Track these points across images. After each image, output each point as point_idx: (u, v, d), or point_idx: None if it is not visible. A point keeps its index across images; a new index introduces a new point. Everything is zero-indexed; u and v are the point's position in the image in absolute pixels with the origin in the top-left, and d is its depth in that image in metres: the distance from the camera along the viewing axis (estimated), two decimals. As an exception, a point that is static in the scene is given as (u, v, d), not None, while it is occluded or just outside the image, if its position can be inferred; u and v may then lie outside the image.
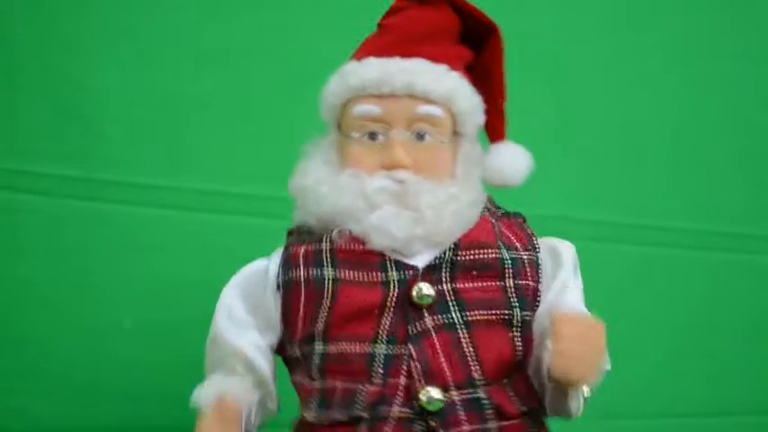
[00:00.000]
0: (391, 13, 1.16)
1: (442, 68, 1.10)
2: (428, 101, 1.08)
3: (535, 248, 1.10)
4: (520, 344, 1.06)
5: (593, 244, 1.60)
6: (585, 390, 1.04)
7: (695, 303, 1.68)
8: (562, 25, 1.61)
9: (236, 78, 1.46)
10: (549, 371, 1.00)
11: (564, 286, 1.09)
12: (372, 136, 1.09)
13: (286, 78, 1.47)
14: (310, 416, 1.05)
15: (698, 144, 1.69)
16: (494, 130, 1.17)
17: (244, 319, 1.10)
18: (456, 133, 1.12)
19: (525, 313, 1.07)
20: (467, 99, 1.11)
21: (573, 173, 1.62)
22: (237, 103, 1.46)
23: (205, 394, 1.07)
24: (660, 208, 1.67)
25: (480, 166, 1.13)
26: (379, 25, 1.16)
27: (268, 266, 1.11)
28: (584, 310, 1.09)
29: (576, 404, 1.04)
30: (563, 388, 1.02)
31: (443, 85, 1.09)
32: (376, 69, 1.09)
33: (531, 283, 1.08)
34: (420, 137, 1.09)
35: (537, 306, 1.08)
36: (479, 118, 1.14)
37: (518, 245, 1.10)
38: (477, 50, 1.16)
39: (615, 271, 1.61)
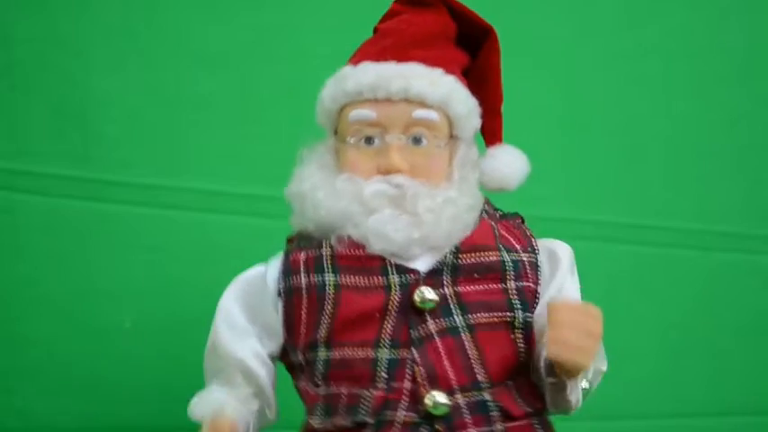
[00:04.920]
0: (387, 17, 1.16)
1: (437, 72, 1.10)
2: (424, 105, 1.08)
3: (534, 250, 1.11)
4: (523, 345, 1.06)
5: (593, 244, 1.60)
6: (584, 382, 1.05)
7: (695, 303, 1.68)
8: (561, 25, 1.61)
9: (237, 78, 1.46)
10: (547, 360, 1.01)
11: (561, 287, 1.10)
12: (368, 141, 1.09)
13: (286, 78, 1.47)
14: (315, 422, 1.05)
15: (698, 143, 1.69)
16: (490, 133, 1.17)
17: (243, 326, 1.10)
18: (452, 137, 1.12)
19: (527, 315, 1.07)
20: (462, 103, 1.11)
21: (573, 173, 1.62)
22: (238, 103, 1.46)
23: (202, 407, 1.07)
24: (660, 208, 1.67)
25: (477, 170, 1.13)
26: (375, 30, 1.17)
27: (266, 273, 1.11)
28: None
29: (576, 397, 1.05)
30: (561, 377, 1.02)
31: (439, 89, 1.09)
32: (371, 74, 1.09)
33: (531, 284, 1.08)
34: (416, 141, 1.09)
35: (535, 307, 1.09)
36: (476, 121, 1.14)
37: (518, 247, 1.10)
38: (474, 53, 1.16)
39: (615, 271, 1.61)
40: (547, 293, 1.09)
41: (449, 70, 1.11)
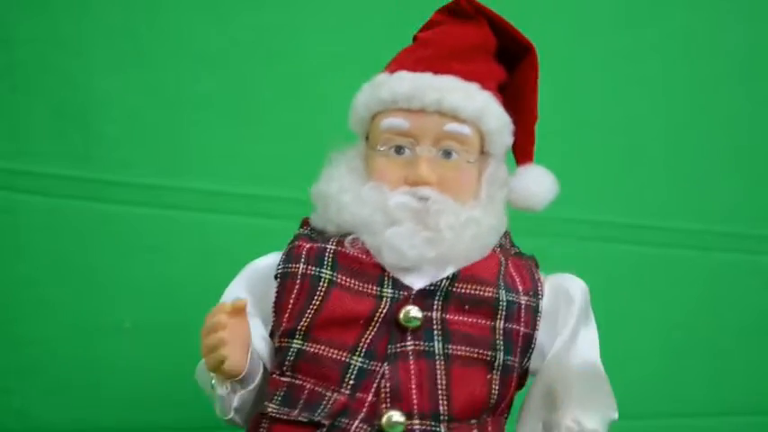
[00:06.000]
0: (427, 26, 1.15)
1: (473, 87, 1.09)
2: (457, 119, 1.08)
3: (537, 295, 1.09)
4: (497, 387, 1.05)
5: (593, 244, 1.60)
6: None
7: (695, 303, 1.67)
8: (561, 25, 1.61)
9: (237, 78, 1.46)
10: None
11: (574, 334, 1.09)
12: (399, 150, 1.09)
13: (286, 78, 1.47)
14: (271, 408, 1.04)
15: (697, 143, 1.69)
16: (522, 151, 1.16)
17: (249, 309, 1.08)
18: (483, 153, 1.11)
19: (508, 358, 1.06)
20: (496, 119, 1.10)
21: (573, 173, 1.61)
22: (238, 103, 1.46)
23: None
24: (660, 208, 1.67)
25: (505, 188, 1.12)
26: (415, 38, 1.16)
27: (276, 262, 1.10)
28: (597, 359, 1.09)
29: None
30: None
31: (473, 103, 1.08)
32: (407, 84, 1.08)
33: (522, 329, 1.07)
34: (447, 154, 1.08)
35: (530, 353, 1.08)
36: (508, 138, 1.13)
37: (520, 288, 1.08)
38: (511, 69, 1.15)
39: (615, 271, 1.61)
40: (559, 338, 1.08)
41: (485, 85, 1.10)
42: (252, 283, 1.11)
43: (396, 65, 1.12)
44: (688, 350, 1.67)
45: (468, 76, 1.10)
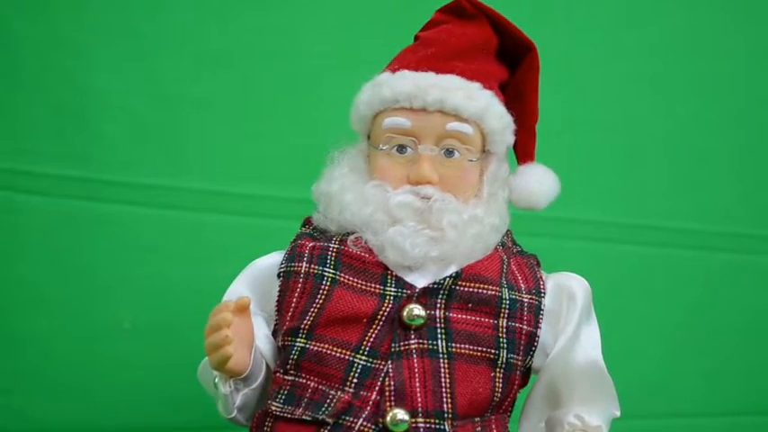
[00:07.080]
0: (429, 25, 1.16)
1: (474, 86, 1.09)
2: (459, 118, 1.08)
3: (540, 293, 1.09)
4: (500, 385, 1.06)
5: (593, 244, 1.60)
6: None
7: (695, 303, 1.67)
8: (562, 24, 1.61)
9: (237, 78, 1.46)
10: None
11: (577, 333, 1.09)
12: (401, 149, 1.09)
13: (287, 79, 1.47)
14: (275, 407, 1.04)
15: (698, 144, 1.69)
16: (523, 150, 1.16)
17: (252, 309, 1.08)
18: (485, 152, 1.11)
19: (512, 356, 1.06)
20: (498, 118, 1.11)
21: (573, 173, 1.61)
22: (238, 103, 1.46)
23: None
24: (660, 208, 1.67)
25: (507, 187, 1.12)
26: (416, 37, 1.16)
27: (280, 261, 1.11)
28: (599, 357, 1.10)
29: None
30: None
31: (475, 102, 1.08)
32: (409, 83, 1.08)
33: (525, 327, 1.07)
34: (448, 153, 1.09)
35: (532, 351, 1.08)
36: (510, 137, 1.13)
37: (522, 286, 1.09)
38: (513, 69, 1.16)
39: (615, 271, 1.61)
40: (563, 336, 1.09)
41: (487, 85, 1.10)
42: (255, 282, 1.12)
43: (397, 64, 1.12)
44: (687, 350, 1.67)
45: (470, 75, 1.10)
